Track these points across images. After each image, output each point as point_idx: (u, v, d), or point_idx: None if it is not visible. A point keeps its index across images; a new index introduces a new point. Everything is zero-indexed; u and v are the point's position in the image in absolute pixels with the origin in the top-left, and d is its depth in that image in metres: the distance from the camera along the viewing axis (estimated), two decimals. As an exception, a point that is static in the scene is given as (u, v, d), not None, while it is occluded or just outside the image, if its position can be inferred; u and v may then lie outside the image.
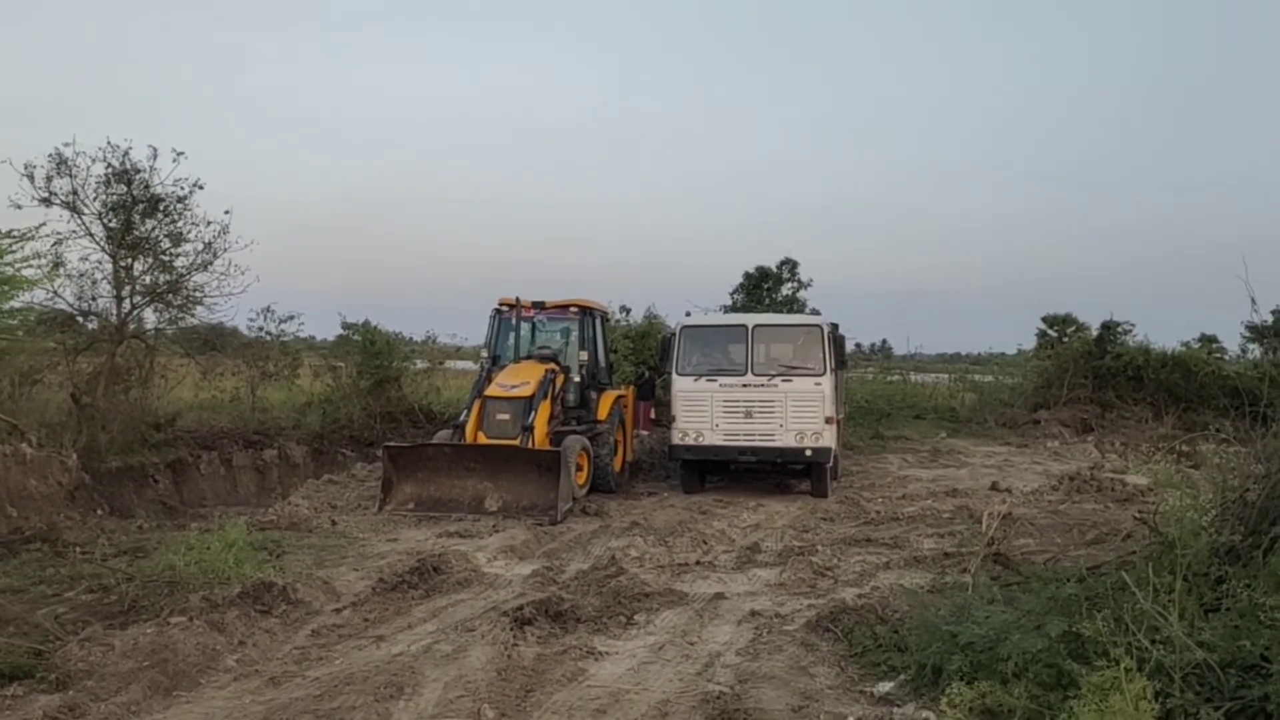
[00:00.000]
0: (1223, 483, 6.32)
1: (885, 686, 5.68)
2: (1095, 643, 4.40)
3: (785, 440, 13.02)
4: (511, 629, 6.66)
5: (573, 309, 14.38)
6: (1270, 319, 25.02)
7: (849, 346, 14.78)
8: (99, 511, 11.46)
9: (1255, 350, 24.70)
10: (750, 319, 14.24)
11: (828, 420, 13.01)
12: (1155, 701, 4.08)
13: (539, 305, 14.31)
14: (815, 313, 21.89)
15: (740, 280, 25.51)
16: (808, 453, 13.00)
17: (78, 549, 8.92)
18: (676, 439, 13.43)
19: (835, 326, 13.91)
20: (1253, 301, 6.70)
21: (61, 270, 14.25)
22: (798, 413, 13.00)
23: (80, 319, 15.19)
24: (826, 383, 13.07)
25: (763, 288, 24.72)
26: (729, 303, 24.74)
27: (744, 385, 13.19)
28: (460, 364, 25.19)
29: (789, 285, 25.01)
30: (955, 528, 10.86)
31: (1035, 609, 5.43)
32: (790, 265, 25.21)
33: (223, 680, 5.77)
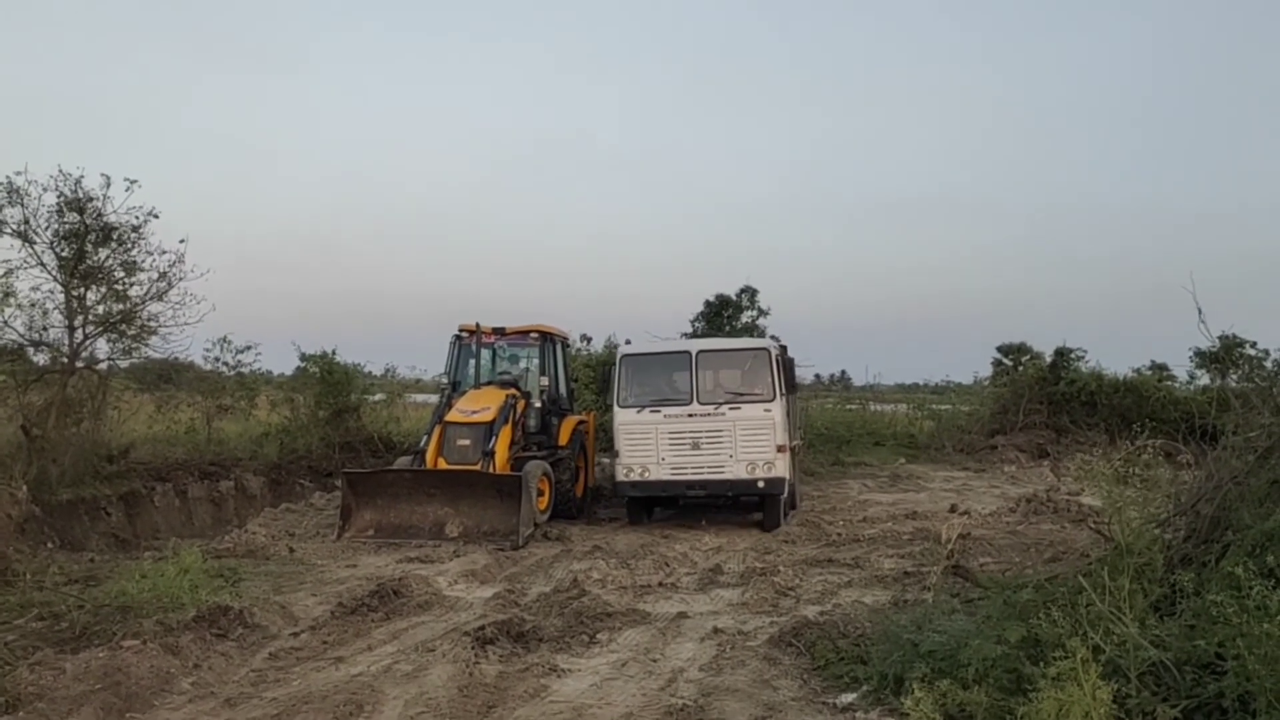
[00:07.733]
0: (1175, 492, 6.46)
1: (848, 697, 5.69)
2: (1052, 635, 4.45)
3: (736, 472, 12.26)
4: (473, 648, 6.61)
5: (533, 335, 14.35)
6: (1217, 344, 25.50)
7: (807, 375, 14.48)
8: (49, 544, 11.20)
9: (1204, 376, 25.12)
10: (694, 344, 13.60)
11: (780, 449, 12.31)
12: (1114, 703, 4.13)
13: (500, 331, 14.28)
14: (774, 339, 22.01)
15: (700, 309, 25.59)
16: (760, 484, 12.27)
17: (28, 576, 8.72)
18: (621, 475, 12.58)
19: (784, 348, 13.48)
20: (1202, 322, 6.80)
21: (12, 300, 13.99)
22: (748, 442, 12.27)
23: (31, 350, 14.89)
24: (777, 409, 12.39)
25: (723, 315, 24.78)
26: (689, 330, 24.79)
27: (690, 415, 12.41)
28: (420, 396, 25.01)
29: (749, 313, 25.09)
30: (915, 548, 10.95)
31: (993, 614, 5.48)
32: (750, 293, 25.29)
33: (177, 702, 5.66)
